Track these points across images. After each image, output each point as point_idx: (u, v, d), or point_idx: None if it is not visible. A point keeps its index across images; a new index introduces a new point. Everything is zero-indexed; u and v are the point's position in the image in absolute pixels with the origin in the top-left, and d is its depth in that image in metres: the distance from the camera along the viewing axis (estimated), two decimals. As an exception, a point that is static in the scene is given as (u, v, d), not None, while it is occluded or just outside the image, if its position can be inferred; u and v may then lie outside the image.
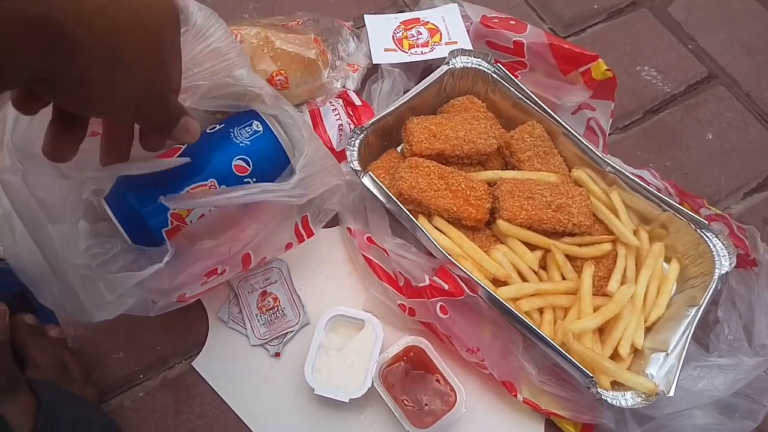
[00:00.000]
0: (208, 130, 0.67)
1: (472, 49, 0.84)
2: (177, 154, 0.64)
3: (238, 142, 0.65)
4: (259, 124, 0.66)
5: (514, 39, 0.86)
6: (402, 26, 0.90)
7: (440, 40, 0.88)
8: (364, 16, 0.92)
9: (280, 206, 0.67)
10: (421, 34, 0.89)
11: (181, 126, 0.49)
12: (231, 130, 0.66)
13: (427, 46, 0.87)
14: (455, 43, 0.88)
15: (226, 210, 0.64)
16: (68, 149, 0.44)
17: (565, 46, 0.84)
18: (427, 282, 0.69)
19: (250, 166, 0.64)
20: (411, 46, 0.88)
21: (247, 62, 0.60)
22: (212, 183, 0.62)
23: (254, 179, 0.64)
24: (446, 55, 0.83)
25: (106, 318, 0.56)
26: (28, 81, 0.33)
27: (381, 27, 0.90)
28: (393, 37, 0.88)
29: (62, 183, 0.53)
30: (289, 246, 0.72)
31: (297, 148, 0.65)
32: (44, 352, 0.62)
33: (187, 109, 0.50)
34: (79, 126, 0.45)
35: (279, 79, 0.76)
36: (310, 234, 0.73)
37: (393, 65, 0.85)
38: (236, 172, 0.64)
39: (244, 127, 0.66)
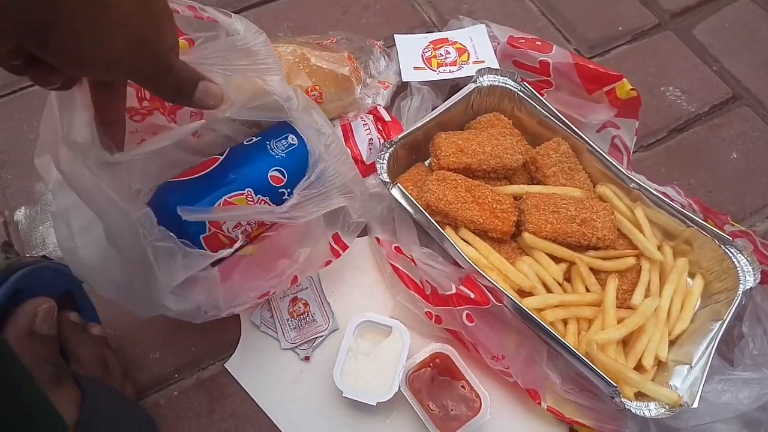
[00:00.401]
0: (245, 142, 0.70)
1: (499, 68, 0.87)
2: (216, 164, 0.67)
3: (274, 154, 0.68)
4: (294, 137, 0.69)
5: (540, 59, 0.88)
6: (431, 46, 0.93)
7: (468, 60, 0.91)
8: (395, 35, 0.96)
9: (318, 227, 0.70)
10: (450, 53, 0.92)
11: (201, 91, 0.48)
12: (267, 142, 0.69)
13: (455, 65, 0.90)
14: (482, 62, 0.90)
15: (277, 243, 0.68)
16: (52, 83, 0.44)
17: (590, 66, 0.86)
18: (454, 291, 0.70)
19: (285, 177, 0.67)
20: (439, 65, 0.91)
21: (281, 71, 0.63)
22: (249, 192, 0.66)
23: (288, 189, 0.67)
24: (474, 74, 0.86)
25: (167, 307, 0.58)
26: (21, 34, 0.34)
27: (410, 46, 0.93)
28: (422, 56, 0.92)
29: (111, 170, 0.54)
30: (328, 262, 0.75)
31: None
32: (87, 348, 0.65)
33: (204, 75, 0.49)
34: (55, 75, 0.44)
35: (314, 95, 0.79)
36: (345, 248, 0.76)
37: (422, 83, 0.88)
38: (272, 183, 0.67)
39: (280, 140, 0.69)
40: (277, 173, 0.67)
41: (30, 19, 0.33)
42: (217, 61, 0.58)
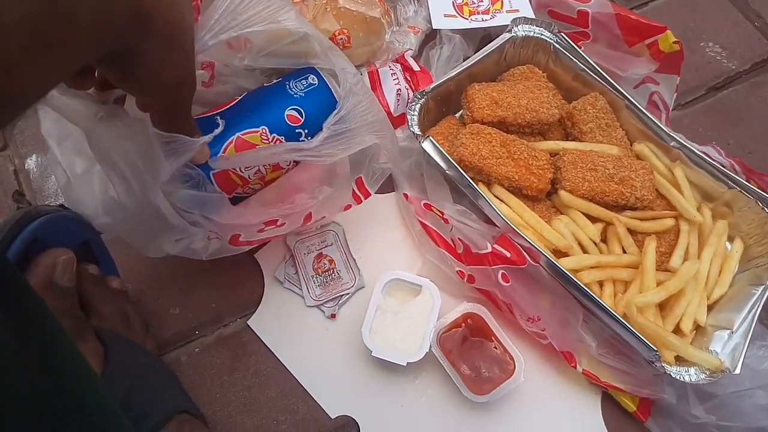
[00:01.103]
0: (265, 84, 0.67)
1: (534, 18, 0.82)
2: (232, 104, 0.64)
3: (292, 93, 0.64)
4: (314, 77, 0.66)
5: (579, 8, 0.83)
6: (462, -8, 0.88)
7: (501, 8, 0.86)
8: (424, -19, 0.91)
9: (343, 168, 0.66)
10: (482, 1, 0.87)
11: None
12: (287, 83, 0.66)
13: (488, 14, 0.86)
14: (516, 11, 0.86)
15: (299, 176, 0.64)
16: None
17: (632, 16, 0.81)
18: (489, 249, 0.67)
19: (302, 117, 0.64)
20: (471, 13, 0.86)
21: (292, 6, 0.59)
22: (264, 130, 0.62)
23: (306, 130, 0.64)
24: (507, 23, 0.81)
25: (163, 214, 0.55)
26: (104, 55, 0.36)
27: (441, -8, 0.88)
28: (453, 2, 0.87)
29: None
30: (347, 207, 0.71)
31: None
32: (108, 302, 0.62)
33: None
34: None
35: (341, 39, 0.75)
36: (367, 195, 0.71)
37: (453, 31, 0.84)
38: (288, 122, 0.63)
39: (300, 80, 0.66)
40: (294, 112, 0.64)
41: (118, 44, 0.35)
42: (225, 22, 0.54)
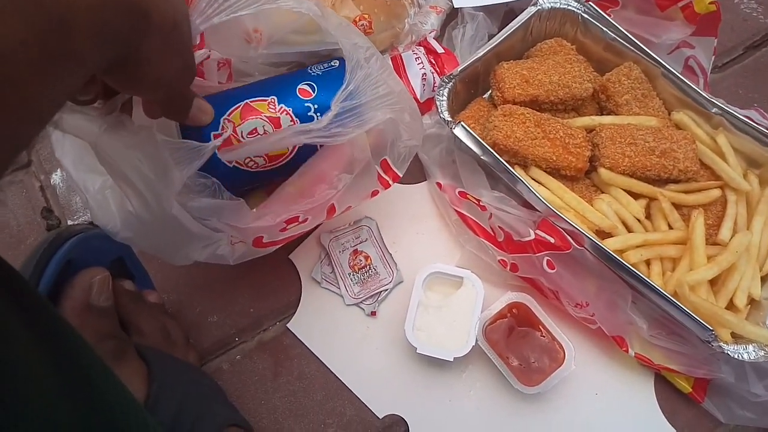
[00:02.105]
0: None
1: (560, -13, 0.79)
2: (248, 83, 0.63)
3: (310, 72, 0.63)
4: (337, 61, 0.64)
5: (605, -27, 0.79)
6: (482, -33, 0.84)
7: (524, -20, 0.82)
8: (440, -42, 0.87)
9: (362, 153, 0.63)
10: (503, -26, 0.83)
11: (196, 107, 0.53)
12: (310, 66, 0.64)
13: (511, -13, 0.82)
14: (540, -18, 0.82)
15: (317, 168, 0.62)
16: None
17: (663, -22, 0.77)
18: (532, 236, 0.65)
19: (314, 92, 0.61)
20: (493, -12, 0.82)
21: None
22: (272, 100, 0.61)
23: (316, 105, 0.61)
24: (532, -5, 0.78)
25: (183, 225, 0.53)
26: (109, 62, 0.35)
27: (459, -31, 0.84)
28: (473, -21, 0.83)
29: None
30: (374, 193, 0.67)
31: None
32: (147, 318, 0.61)
33: (196, 93, 0.53)
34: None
35: (362, 25, 0.72)
36: (396, 178, 0.67)
37: (475, 9, 0.80)
38: (299, 95, 0.61)
39: (322, 63, 0.64)
40: (306, 87, 0.61)
41: (120, 46, 0.35)
42: (217, 5, 0.51)
